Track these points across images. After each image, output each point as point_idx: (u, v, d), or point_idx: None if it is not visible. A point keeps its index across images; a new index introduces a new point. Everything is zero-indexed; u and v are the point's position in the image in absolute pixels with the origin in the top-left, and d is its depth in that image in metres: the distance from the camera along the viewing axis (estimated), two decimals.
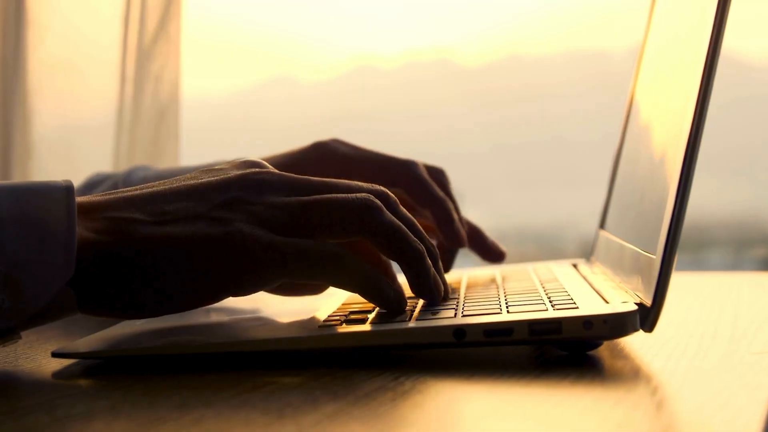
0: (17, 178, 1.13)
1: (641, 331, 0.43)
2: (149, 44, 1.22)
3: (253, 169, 0.49)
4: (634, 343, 0.47)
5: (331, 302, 0.55)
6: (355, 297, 0.56)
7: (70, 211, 0.43)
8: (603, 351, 0.45)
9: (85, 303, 0.44)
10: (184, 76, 1.26)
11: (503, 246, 0.69)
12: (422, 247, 0.48)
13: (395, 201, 0.50)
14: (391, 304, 0.47)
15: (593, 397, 0.37)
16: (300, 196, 0.47)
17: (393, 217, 0.48)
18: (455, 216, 0.63)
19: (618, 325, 0.42)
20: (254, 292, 0.46)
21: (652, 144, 0.54)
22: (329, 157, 0.64)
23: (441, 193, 0.63)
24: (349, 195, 0.47)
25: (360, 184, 0.49)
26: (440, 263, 0.51)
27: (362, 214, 0.47)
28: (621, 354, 0.45)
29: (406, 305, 0.48)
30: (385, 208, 0.48)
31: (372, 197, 0.48)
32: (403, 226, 0.48)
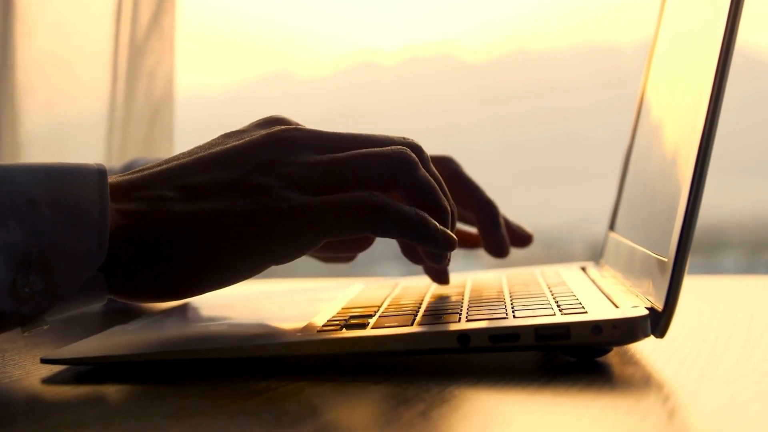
0: None
1: (652, 337, 0.42)
2: (142, 39, 1.21)
3: (279, 127, 0.48)
4: (645, 349, 0.46)
5: (330, 306, 0.54)
6: (356, 301, 0.55)
7: (102, 195, 0.42)
8: (612, 357, 0.45)
9: (116, 287, 0.44)
10: (178, 73, 1.25)
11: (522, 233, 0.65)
12: (449, 207, 0.47)
13: (428, 158, 0.49)
14: (438, 245, 0.46)
15: (603, 404, 0.37)
16: (330, 152, 0.47)
17: (426, 173, 0.47)
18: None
19: (628, 330, 0.41)
20: (297, 258, 0.45)
21: (663, 142, 0.53)
22: None
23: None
24: (383, 149, 0.47)
25: (390, 136, 0.49)
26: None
27: (397, 169, 0.46)
28: (631, 360, 0.44)
29: (455, 245, 0.46)
30: (419, 163, 0.47)
31: (407, 151, 0.47)
32: (436, 184, 0.47)
